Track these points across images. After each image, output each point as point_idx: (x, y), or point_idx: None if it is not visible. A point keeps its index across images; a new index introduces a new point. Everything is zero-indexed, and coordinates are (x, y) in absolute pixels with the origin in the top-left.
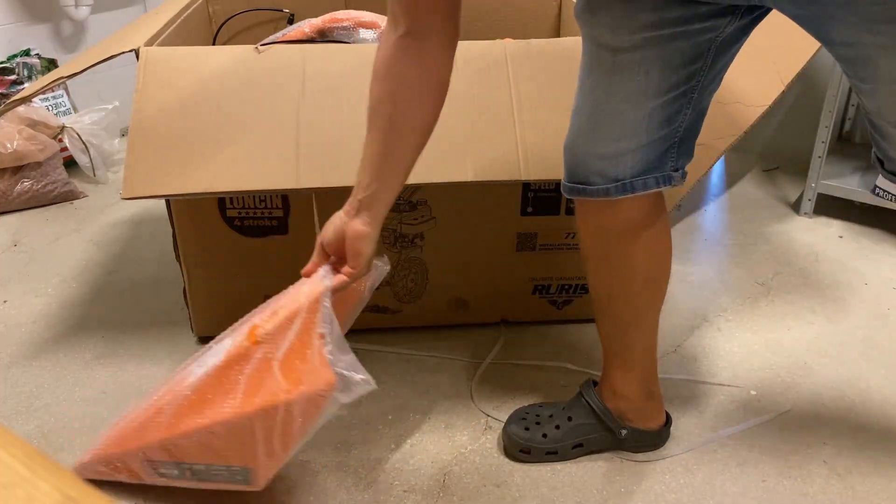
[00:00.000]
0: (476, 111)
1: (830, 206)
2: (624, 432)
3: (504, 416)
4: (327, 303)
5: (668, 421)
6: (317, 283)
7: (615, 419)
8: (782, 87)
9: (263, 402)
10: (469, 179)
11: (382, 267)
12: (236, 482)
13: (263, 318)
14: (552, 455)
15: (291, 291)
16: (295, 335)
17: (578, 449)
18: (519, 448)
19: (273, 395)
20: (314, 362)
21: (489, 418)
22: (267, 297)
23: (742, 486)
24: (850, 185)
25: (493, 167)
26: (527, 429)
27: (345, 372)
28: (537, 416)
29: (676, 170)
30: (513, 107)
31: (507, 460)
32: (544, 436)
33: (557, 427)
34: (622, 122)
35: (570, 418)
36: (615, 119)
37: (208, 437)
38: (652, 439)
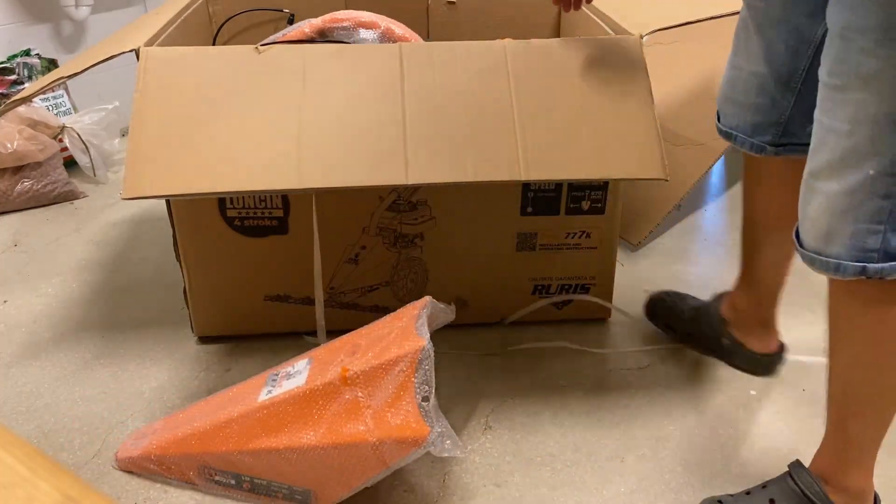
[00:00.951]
0: (476, 111)
1: None
2: (725, 341)
3: (504, 416)
4: (428, 365)
5: (781, 350)
6: (413, 335)
7: (721, 326)
8: None
9: (350, 439)
10: (469, 180)
11: (448, 314)
12: (294, 501)
13: (351, 355)
14: (672, 330)
15: (382, 330)
16: (393, 389)
17: (689, 337)
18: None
19: (361, 435)
20: (409, 418)
21: (489, 418)
22: (267, 296)
23: (742, 487)
24: None
25: (492, 167)
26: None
27: (437, 435)
28: (676, 299)
29: (777, 145)
30: (513, 107)
31: (506, 460)
32: (680, 311)
33: (682, 311)
34: (735, 77)
35: (694, 309)
36: (731, 72)
37: (278, 460)
38: (753, 361)
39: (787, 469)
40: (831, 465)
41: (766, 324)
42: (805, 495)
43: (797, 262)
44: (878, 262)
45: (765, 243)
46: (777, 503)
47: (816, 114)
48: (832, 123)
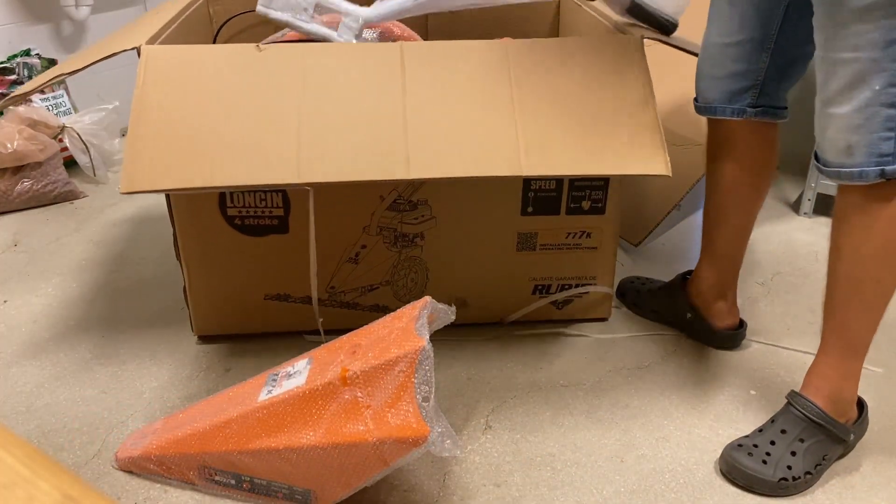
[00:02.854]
0: (477, 108)
1: (830, 206)
2: (689, 316)
3: (504, 416)
4: (427, 365)
5: (741, 326)
6: (413, 336)
7: (685, 302)
8: None
9: (350, 439)
10: (470, 174)
11: (448, 314)
12: (294, 501)
13: (351, 355)
14: (637, 307)
15: (382, 331)
16: (393, 389)
17: (654, 314)
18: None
19: (361, 435)
20: (409, 418)
21: (489, 418)
22: (267, 295)
23: (742, 486)
24: None
25: (493, 162)
26: (764, 462)
27: (437, 435)
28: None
29: (755, 107)
30: (513, 104)
31: (506, 460)
32: (788, 467)
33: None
34: (711, 53)
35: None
36: (707, 49)
37: (278, 460)
38: (713, 336)
39: (787, 400)
40: (828, 381)
41: (727, 299)
42: (809, 419)
43: (794, 261)
44: (893, 164)
45: (730, 212)
46: (788, 432)
47: (819, 53)
48: (837, 56)
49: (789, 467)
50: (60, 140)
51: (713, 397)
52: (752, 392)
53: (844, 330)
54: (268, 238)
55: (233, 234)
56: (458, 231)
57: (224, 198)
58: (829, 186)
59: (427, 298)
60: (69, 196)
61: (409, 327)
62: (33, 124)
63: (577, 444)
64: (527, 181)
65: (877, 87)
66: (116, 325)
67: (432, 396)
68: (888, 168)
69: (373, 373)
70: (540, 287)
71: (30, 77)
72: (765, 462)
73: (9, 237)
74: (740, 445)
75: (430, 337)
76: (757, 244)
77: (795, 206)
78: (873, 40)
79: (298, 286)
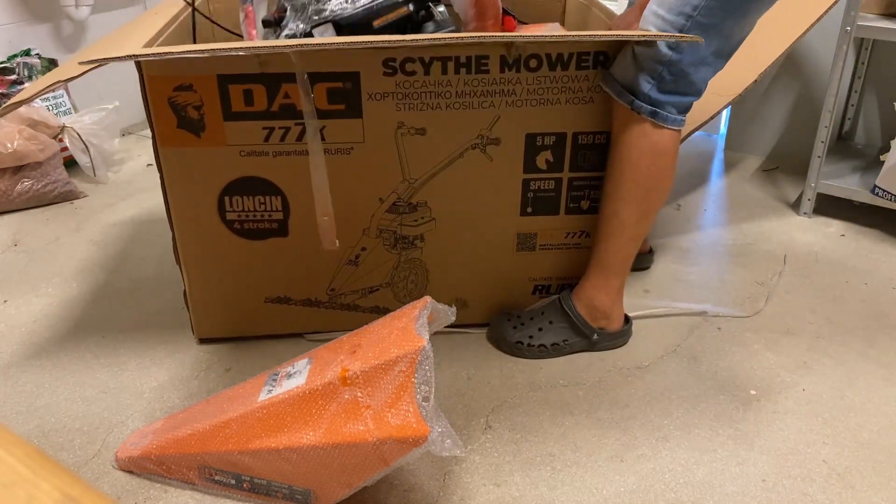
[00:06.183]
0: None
1: (830, 206)
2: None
3: (504, 416)
4: (427, 365)
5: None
6: (413, 336)
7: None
8: (753, 78)
9: (350, 439)
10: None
11: (449, 315)
12: (294, 501)
13: (351, 355)
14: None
15: (382, 331)
16: (393, 389)
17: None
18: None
19: (361, 435)
20: (409, 418)
21: (489, 418)
22: (268, 298)
23: (742, 486)
24: (850, 185)
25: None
26: (514, 327)
27: (437, 435)
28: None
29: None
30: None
31: (506, 460)
32: (530, 336)
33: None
34: None
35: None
36: None
37: (278, 460)
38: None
39: (558, 297)
40: (586, 290)
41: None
42: (564, 310)
43: (794, 261)
44: (641, 101)
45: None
46: (545, 315)
47: (652, 5)
48: (658, 10)
49: (531, 336)
50: (60, 140)
51: (713, 397)
52: (752, 392)
53: (597, 254)
54: (267, 241)
55: (232, 239)
56: (458, 232)
57: (223, 203)
58: (829, 186)
59: (427, 298)
60: (69, 196)
61: (409, 327)
62: (33, 124)
63: (577, 444)
64: (526, 181)
65: (663, 48)
66: (117, 325)
67: (432, 396)
68: (635, 101)
69: (373, 373)
70: (540, 287)
71: (30, 77)
72: (515, 328)
73: (9, 237)
74: (509, 319)
75: (431, 337)
76: (757, 244)
77: (795, 206)
78: (669, 5)
79: (299, 289)
